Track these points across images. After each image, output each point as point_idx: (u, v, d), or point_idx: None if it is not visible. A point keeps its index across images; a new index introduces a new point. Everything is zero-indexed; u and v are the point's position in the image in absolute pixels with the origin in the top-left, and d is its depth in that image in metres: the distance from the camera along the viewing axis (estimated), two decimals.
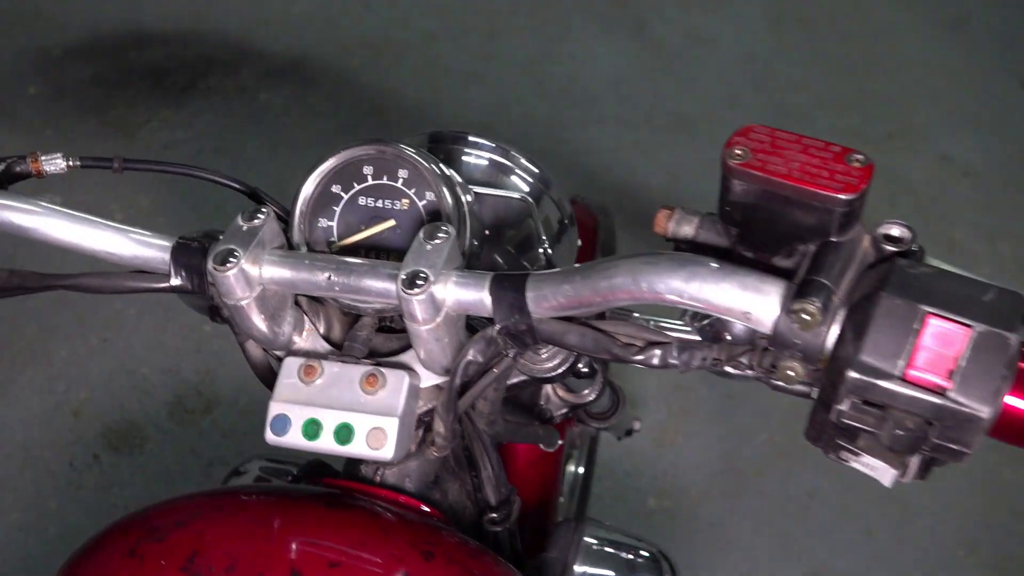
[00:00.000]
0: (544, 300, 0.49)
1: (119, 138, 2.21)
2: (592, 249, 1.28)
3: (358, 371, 0.53)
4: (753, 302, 0.42)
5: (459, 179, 0.57)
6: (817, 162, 0.43)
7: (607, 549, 0.74)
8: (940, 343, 0.37)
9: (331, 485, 0.58)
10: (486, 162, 0.73)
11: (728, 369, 0.50)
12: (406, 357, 0.55)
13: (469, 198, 0.57)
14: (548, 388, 0.78)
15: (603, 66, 2.73)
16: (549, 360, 0.56)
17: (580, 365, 0.57)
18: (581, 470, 1.58)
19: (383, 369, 0.53)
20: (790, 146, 0.44)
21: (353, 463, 0.60)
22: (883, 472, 0.42)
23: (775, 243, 0.45)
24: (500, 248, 0.68)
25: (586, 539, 0.74)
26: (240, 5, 2.75)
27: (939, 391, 0.38)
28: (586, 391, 0.77)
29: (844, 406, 0.40)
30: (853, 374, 0.39)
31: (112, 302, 1.86)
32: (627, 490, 1.70)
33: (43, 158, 0.56)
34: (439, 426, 0.54)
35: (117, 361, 1.76)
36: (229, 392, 1.72)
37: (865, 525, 1.71)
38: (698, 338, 0.76)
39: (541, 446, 0.79)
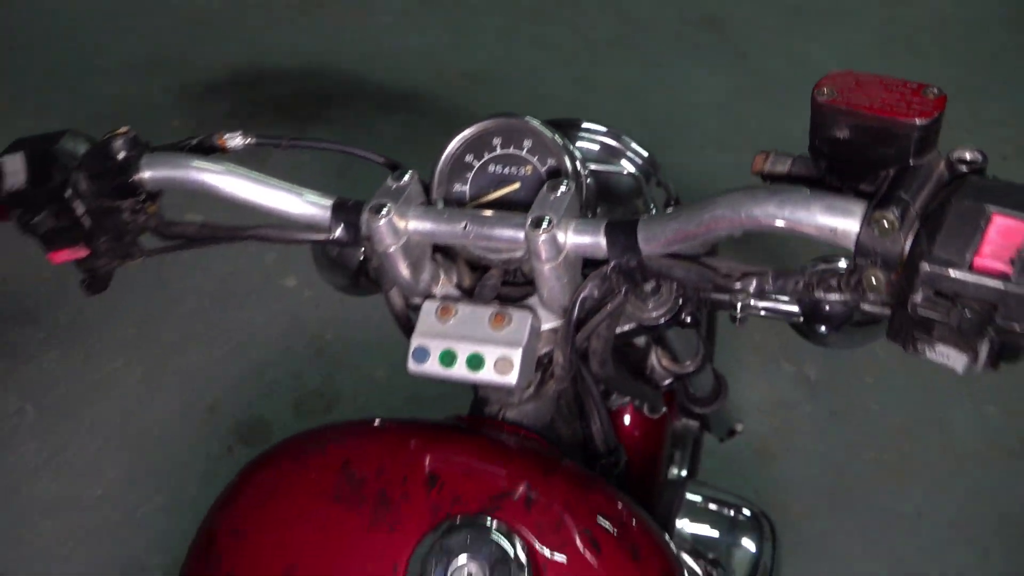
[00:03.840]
0: (653, 238, 0.55)
1: (253, 162, 2.40)
2: None
3: (487, 311, 0.60)
4: (838, 219, 0.47)
5: (576, 151, 0.64)
6: (896, 96, 0.48)
7: (710, 506, 0.78)
8: (1004, 237, 0.42)
9: (460, 420, 0.66)
10: (598, 145, 0.80)
11: (818, 295, 0.55)
12: (529, 302, 0.62)
13: (584, 169, 0.64)
14: (654, 358, 0.83)
15: (704, 92, 2.78)
16: (656, 309, 0.61)
17: (684, 316, 0.62)
18: (684, 473, 1.61)
19: (509, 309, 0.60)
20: (871, 84, 0.49)
21: (478, 406, 0.67)
22: (956, 359, 0.46)
23: (860, 171, 0.50)
24: None
25: (689, 496, 0.78)
26: (356, 43, 2.95)
27: (1002, 277, 0.42)
28: (688, 362, 0.81)
29: (919, 298, 0.44)
30: (926, 266, 0.43)
31: (242, 310, 2.01)
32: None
33: (227, 135, 0.66)
34: (558, 357, 0.61)
35: (247, 365, 1.91)
36: (347, 394, 1.83)
37: (981, 547, 1.66)
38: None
39: (646, 410, 0.84)
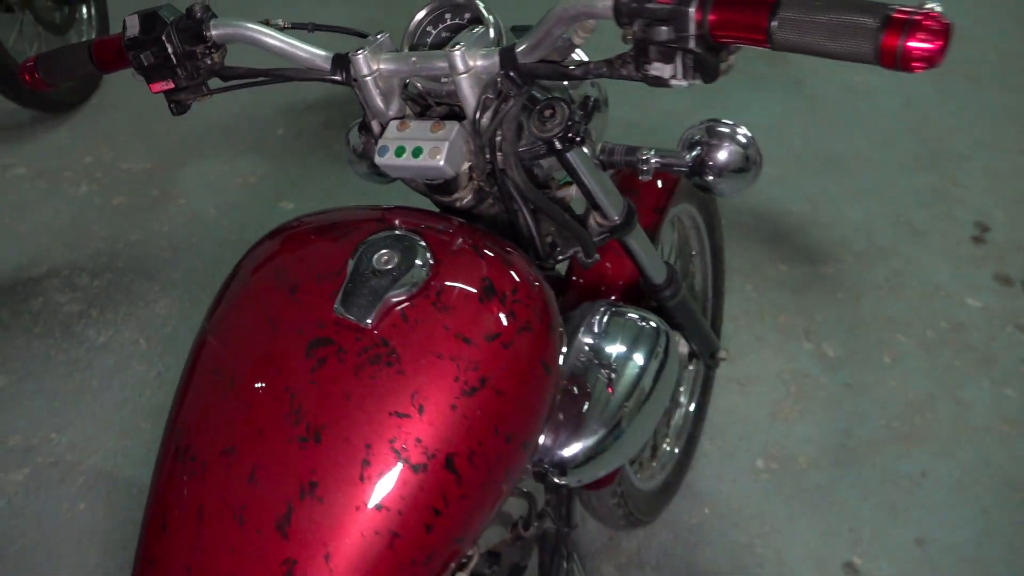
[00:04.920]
0: (527, 48, 0.78)
1: (341, 166, 2.74)
2: None
3: (429, 123, 0.84)
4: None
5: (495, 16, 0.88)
6: None
7: (616, 320, 0.93)
8: None
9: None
10: None
11: (625, 71, 0.70)
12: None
13: (494, 18, 0.86)
14: (592, 221, 1.03)
15: (755, 115, 2.98)
16: (551, 129, 0.83)
17: (572, 134, 0.82)
18: (692, 408, 1.77)
19: (445, 121, 0.84)
20: None
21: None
22: (665, 70, 0.66)
23: None
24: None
25: (598, 316, 0.90)
26: None
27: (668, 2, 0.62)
28: (616, 216, 1.01)
29: (637, 26, 0.64)
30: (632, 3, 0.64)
31: None
32: (737, 450, 1.85)
33: (272, 20, 0.94)
34: (472, 144, 0.83)
35: None
36: None
37: (981, 505, 1.73)
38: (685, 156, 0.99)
39: (581, 256, 1.03)
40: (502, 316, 0.72)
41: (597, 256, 1.05)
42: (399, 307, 0.71)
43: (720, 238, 1.73)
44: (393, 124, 0.86)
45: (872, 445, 1.85)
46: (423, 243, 0.75)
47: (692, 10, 0.63)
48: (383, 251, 0.74)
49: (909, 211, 2.52)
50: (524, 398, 0.72)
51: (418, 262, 0.73)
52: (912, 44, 0.54)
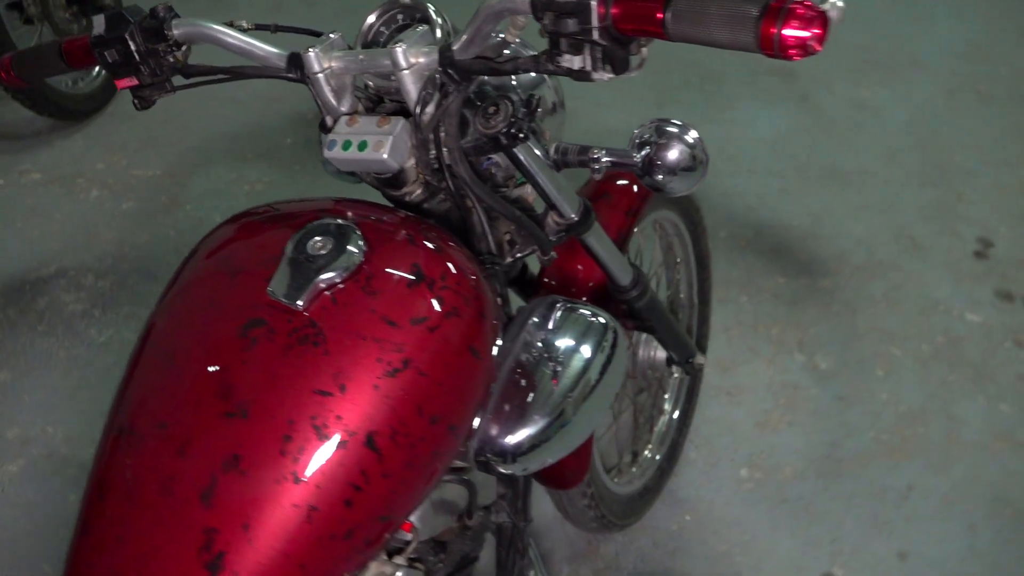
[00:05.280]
0: (462, 45, 0.80)
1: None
2: None
3: (377, 117, 0.87)
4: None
5: (451, 24, 0.90)
6: None
7: (566, 314, 0.94)
8: None
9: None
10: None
11: (552, 65, 0.72)
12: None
13: (442, 20, 0.89)
14: (550, 220, 1.04)
15: (762, 128, 2.98)
16: (495, 126, 0.85)
17: (515, 130, 0.84)
18: (676, 415, 1.77)
19: (391, 117, 0.86)
20: None
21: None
22: (575, 61, 0.68)
23: None
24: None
25: (547, 310, 0.90)
26: None
27: None
28: (573, 215, 1.02)
29: (547, 20, 0.67)
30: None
31: None
32: (722, 459, 1.84)
33: (236, 21, 0.98)
34: (416, 138, 0.85)
35: None
36: None
37: (968, 520, 1.71)
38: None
39: (538, 255, 1.04)
40: (430, 301, 0.74)
41: (554, 254, 1.07)
42: (329, 291, 0.73)
43: (706, 246, 1.73)
44: (343, 120, 0.89)
45: (859, 458, 1.84)
46: (358, 231, 0.77)
47: (595, 3, 0.66)
48: (318, 238, 0.77)
49: (912, 226, 2.51)
50: (450, 381, 0.74)
51: (351, 248, 0.75)
52: (787, 32, 0.57)
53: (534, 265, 1.30)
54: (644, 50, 0.70)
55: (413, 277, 0.75)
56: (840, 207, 2.60)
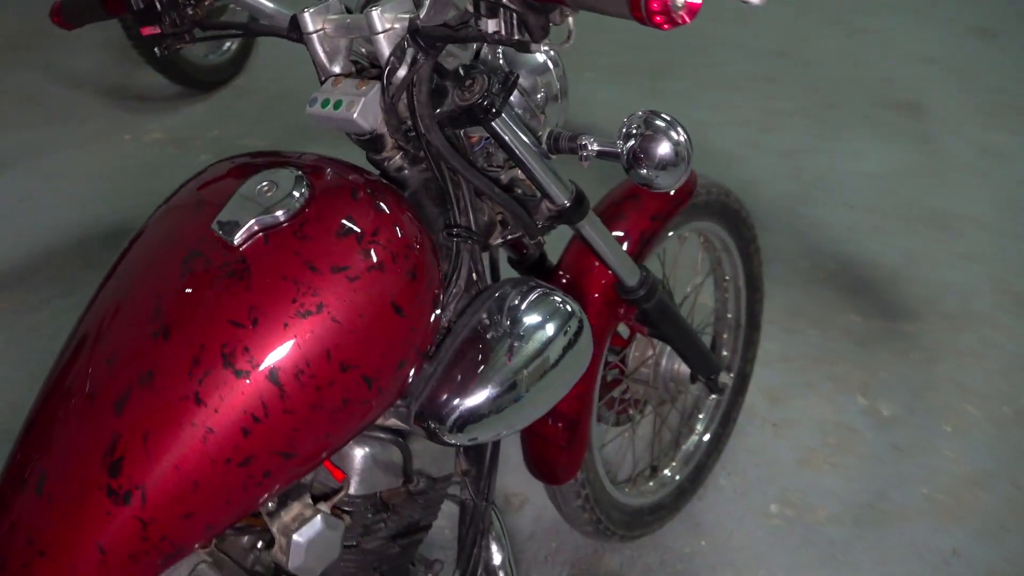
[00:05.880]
0: (428, 11, 0.81)
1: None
2: None
3: (357, 80, 0.89)
4: None
5: None
6: None
7: (530, 294, 0.90)
8: None
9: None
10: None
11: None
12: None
13: None
14: (543, 206, 1.03)
15: (870, 163, 2.84)
16: (471, 98, 0.86)
17: (489, 102, 0.84)
18: (707, 437, 1.71)
19: (369, 80, 0.88)
20: None
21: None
22: (490, 24, 0.68)
23: None
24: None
25: (514, 289, 0.90)
26: None
27: None
28: (564, 200, 1.01)
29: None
30: None
31: None
32: (753, 489, 1.77)
33: None
34: (384, 102, 0.87)
35: None
36: None
37: None
38: None
39: (526, 238, 1.03)
40: (356, 254, 0.76)
41: (542, 239, 1.06)
42: (263, 231, 0.76)
43: (758, 268, 1.67)
44: (330, 80, 0.92)
45: (905, 512, 1.72)
46: (306, 181, 0.80)
47: None
48: (267, 182, 0.80)
49: (1018, 281, 2.33)
50: (365, 332, 0.75)
51: (294, 194, 0.78)
52: None
53: (555, 256, 1.30)
54: (570, 20, 0.69)
55: (345, 229, 0.77)
56: (938, 252, 2.44)
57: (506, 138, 0.91)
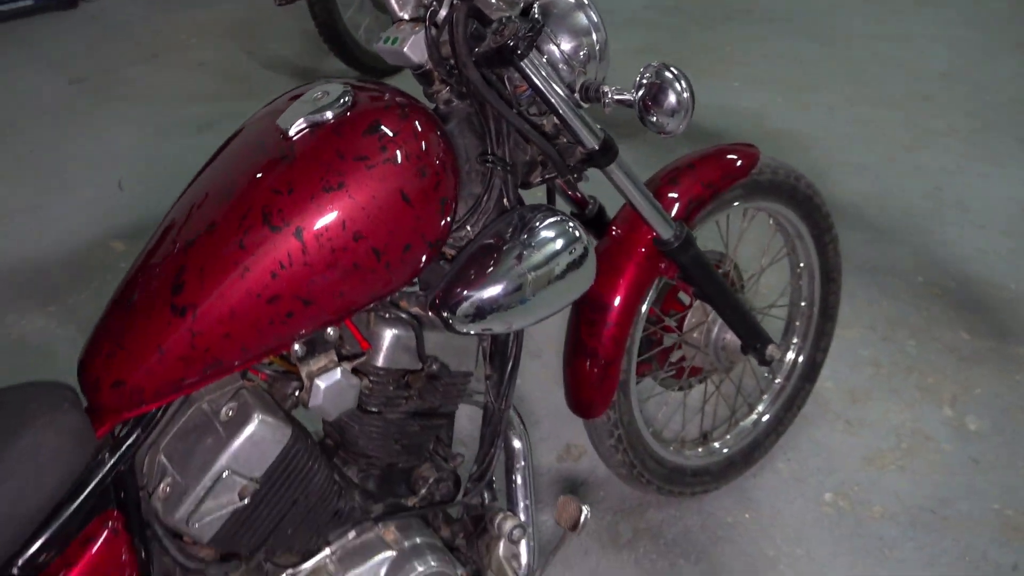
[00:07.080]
0: None
1: None
2: None
3: (414, 24, 1.05)
4: None
5: None
6: None
7: (546, 216, 1.04)
8: None
9: None
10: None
11: None
12: None
13: None
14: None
15: (1018, 187, 2.71)
16: (508, 39, 1.01)
17: (517, 46, 0.98)
18: (767, 418, 1.77)
19: (421, 23, 1.02)
20: None
21: None
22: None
23: None
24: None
25: (533, 211, 1.05)
26: None
27: None
28: (595, 145, 1.13)
29: None
30: None
31: None
32: (810, 477, 1.79)
33: None
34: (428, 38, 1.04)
35: None
36: None
37: None
38: None
39: (557, 172, 1.17)
40: (376, 148, 0.94)
41: (573, 177, 1.20)
42: (311, 127, 0.96)
43: (835, 257, 1.71)
44: (396, 25, 1.11)
45: (969, 523, 1.69)
46: (351, 91, 0.99)
47: None
48: (320, 91, 1.00)
49: None
50: (376, 211, 0.93)
51: (341, 101, 0.98)
52: None
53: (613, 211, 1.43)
54: None
55: (371, 128, 0.95)
56: None
57: (536, 81, 1.06)
